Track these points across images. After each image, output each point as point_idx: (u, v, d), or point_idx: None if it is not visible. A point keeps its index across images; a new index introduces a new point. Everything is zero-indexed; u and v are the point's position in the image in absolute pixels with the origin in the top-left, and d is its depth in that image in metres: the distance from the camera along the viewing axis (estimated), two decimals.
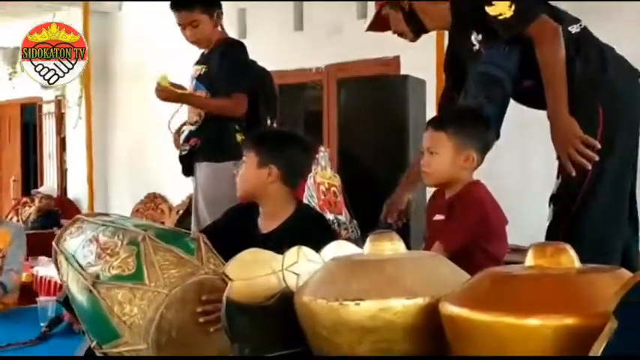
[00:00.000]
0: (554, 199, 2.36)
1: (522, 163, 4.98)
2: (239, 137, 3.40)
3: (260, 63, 3.67)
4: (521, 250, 1.67)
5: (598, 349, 0.92)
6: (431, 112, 3.98)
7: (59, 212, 7.72)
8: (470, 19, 2.41)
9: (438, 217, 2.27)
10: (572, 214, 2.29)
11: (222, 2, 3.54)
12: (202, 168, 3.48)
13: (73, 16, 7.10)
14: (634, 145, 2.38)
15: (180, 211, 7.11)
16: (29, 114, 9.72)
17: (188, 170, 3.56)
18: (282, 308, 1.38)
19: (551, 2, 2.45)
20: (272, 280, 1.43)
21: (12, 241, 3.42)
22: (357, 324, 1.20)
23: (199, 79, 3.50)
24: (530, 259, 1.15)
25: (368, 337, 1.21)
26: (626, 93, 2.36)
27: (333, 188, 4.30)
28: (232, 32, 3.73)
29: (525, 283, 1.10)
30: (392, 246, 1.35)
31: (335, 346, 1.24)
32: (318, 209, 3.46)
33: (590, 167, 2.20)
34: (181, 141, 3.53)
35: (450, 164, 2.22)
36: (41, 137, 9.51)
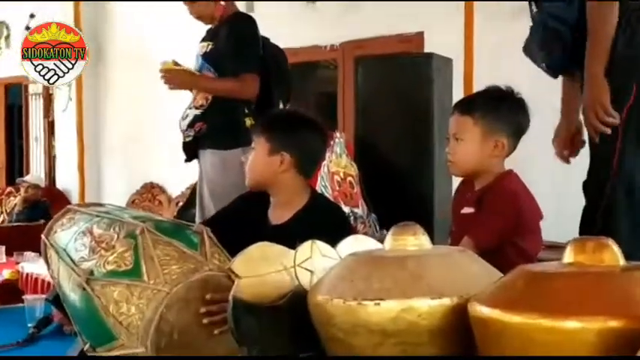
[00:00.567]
0: (585, 186, 2.40)
1: None
2: (248, 122, 3.39)
3: None
4: (556, 247, 1.67)
5: None
6: (458, 94, 3.97)
7: (47, 203, 7.75)
8: None
9: (467, 210, 2.28)
10: (604, 204, 2.32)
11: None
12: (208, 155, 3.47)
13: None
14: None
15: (180, 203, 7.13)
16: (14, 95, 9.73)
17: (192, 158, 3.56)
18: (293, 308, 1.39)
19: None
20: (283, 277, 1.44)
21: None
22: (377, 326, 1.20)
23: (205, 56, 3.48)
24: (568, 256, 1.15)
25: (389, 340, 1.21)
26: None
27: (349, 178, 4.31)
28: (238, 6, 3.73)
29: (564, 281, 1.10)
30: (416, 240, 1.35)
31: (352, 350, 1.25)
32: None
33: (609, 132, 2.29)
34: (185, 126, 3.50)
35: (478, 152, 2.23)
36: (27, 121, 9.51)
